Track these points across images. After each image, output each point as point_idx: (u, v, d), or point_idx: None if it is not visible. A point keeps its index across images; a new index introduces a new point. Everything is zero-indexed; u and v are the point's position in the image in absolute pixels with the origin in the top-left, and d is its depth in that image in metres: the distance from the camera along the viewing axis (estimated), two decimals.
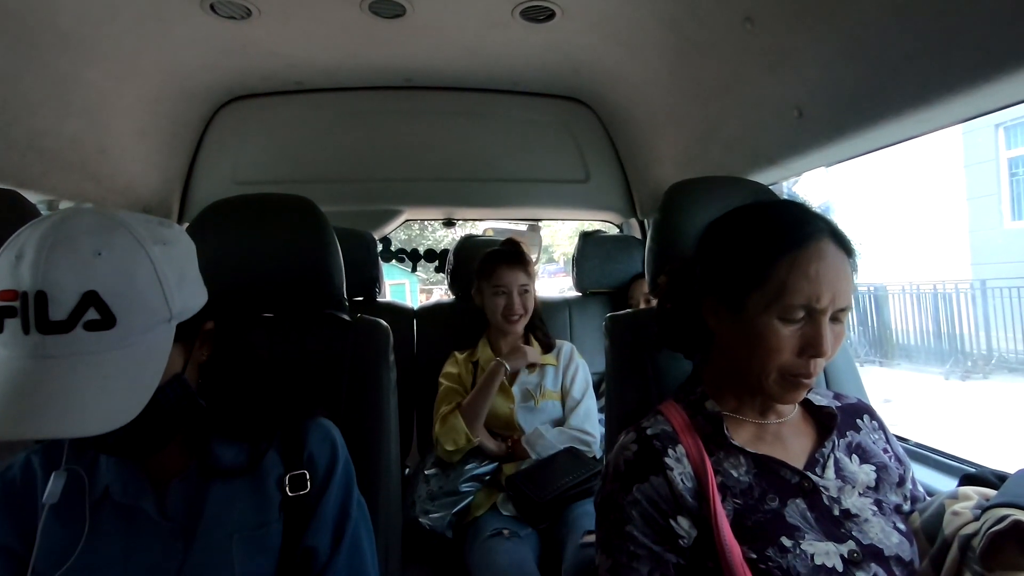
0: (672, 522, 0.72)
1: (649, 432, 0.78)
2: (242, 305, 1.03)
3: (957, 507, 0.73)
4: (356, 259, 1.85)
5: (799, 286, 0.70)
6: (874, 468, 0.80)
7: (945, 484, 1.10)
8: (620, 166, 2.22)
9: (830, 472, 0.77)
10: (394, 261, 2.67)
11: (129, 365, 0.58)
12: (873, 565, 0.69)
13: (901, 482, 0.82)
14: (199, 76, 1.81)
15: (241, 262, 1.01)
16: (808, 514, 0.73)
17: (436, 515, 1.47)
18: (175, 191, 2.00)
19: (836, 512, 0.73)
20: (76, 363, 0.56)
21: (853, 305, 0.76)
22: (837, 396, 0.89)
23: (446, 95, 2.10)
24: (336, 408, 0.98)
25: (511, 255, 1.72)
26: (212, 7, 1.45)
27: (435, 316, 2.06)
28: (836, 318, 0.72)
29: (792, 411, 0.82)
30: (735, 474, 0.75)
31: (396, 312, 2.02)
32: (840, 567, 0.68)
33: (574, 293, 2.27)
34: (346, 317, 1.08)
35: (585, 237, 2.22)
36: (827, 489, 0.75)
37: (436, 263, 2.58)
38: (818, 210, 0.78)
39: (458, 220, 2.49)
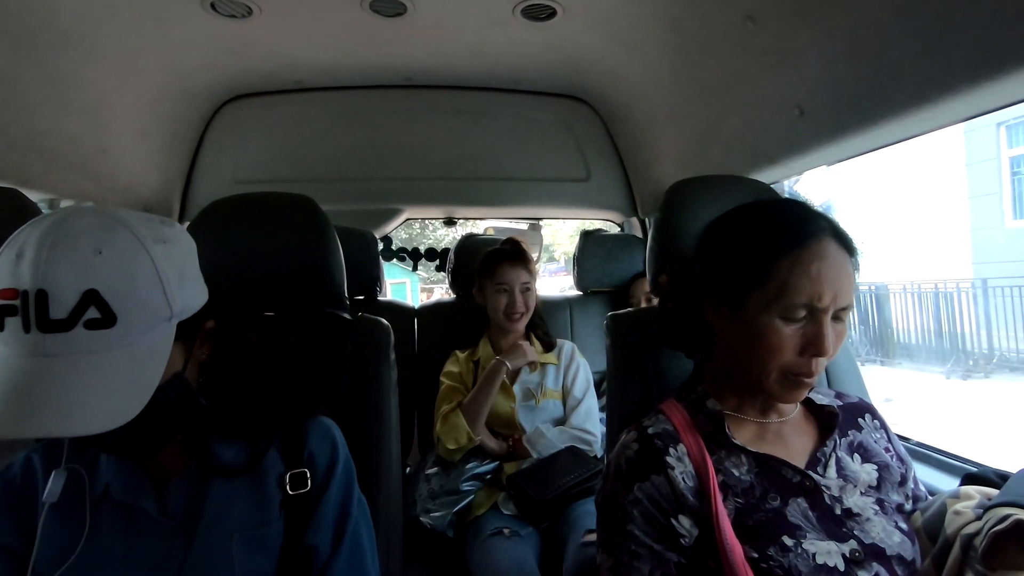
0: (673, 521, 0.72)
1: (650, 431, 0.78)
2: (243, 304, 1.03)
3: (959, 506, 0.73)
4: (357, 258, 1.86)
5: (801, 285, 0.70)
6: (876, 467, 0.80)
7: (947, 483, 1.10)
8: (621, 165, 2.21)
9: (832, 471, 0.77)
10: (395, 260, 2.67)
11: (130, 364, 0.58)
12: (875, 564, 0.69)
13: (903, 481, 0.81)
14: (200, 75, 1.81)
15: (242, 261, 1.01)
16: (810, 513, 0.72)
17: (437, 514, 1.47)
18: (176, 190, 2.00)
19: (838, 511, 0.73)
20: (76, 362, 0.55)
21: (854, 304, 0.76)
22: (839, 395, 0.89)
23: (447, 94, 2.10)
24: (337, 407, 0.98)
25: (513, 253, 1.72)
26: (212, 6, 1.45)
27: (436, 315, 2.06)
28: (838, 317, 0.72)
29: (793, 410, 0.82)
30: (736, 473, 0.75)
31: (397, 311, 2.02)
32: (842, 566, 0.68)
33: (575, 292, 2.27)
34: (347, 316, 1.08)
35: (586, 236, 2.21)
36: (829, 488, 0.75)
37: (437, 262, 2.58)
38: (820, 209, 0.78)
39: (459, 219, 2.49)
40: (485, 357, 1.71)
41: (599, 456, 1.58)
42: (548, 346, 1.75)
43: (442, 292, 9.38)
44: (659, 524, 0.72)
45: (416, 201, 2.23)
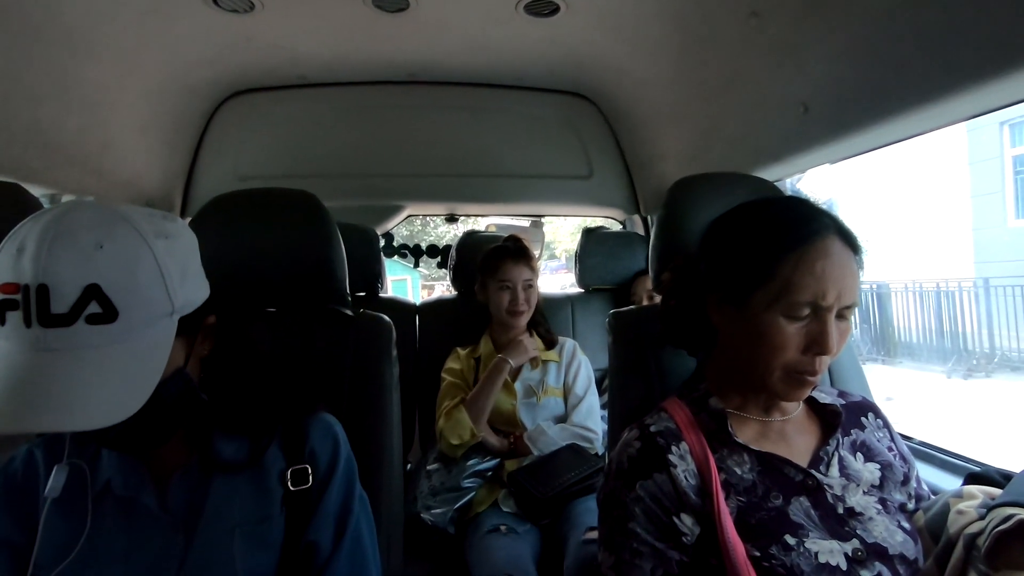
0: (675, 519, 0.72)
1: (653, 429, 0.78)
2: (245, 300, 1.03)
3: (962, 506, 0.73)
4: (358, 254, 1.85)
5: (805, 283, 0.69)
6: (879, 466, 0.80)
7: (950, 483, 1.10)
8: (623, 162, 2.21)
9: (834, 470, 0.77)
10: (396, 257, 2.67)
11: (131, 359, 0.58)
12: (877, 564, 0.69)
13: (906, 480, 0.81)
14: (202, 70, 1.80)
15: (244, 257, 1.01)
16: (812, 512, 0.72)
17: (438, 511, 1.47)
18: (178, 186, 1.99)
19: (840, 510, 0.73)
20: (78, 357, 0.55)
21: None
22: (842, 394, 0.89)
23: (449, 90, 2.10)
24: (338, 403, 0.98)
25: (516, 250, 1.72)
26: (215, 1, 1.44)
27: (437, 312, 2.06)
28: (842, 315, 0.72)
29: (796, 409, 0.82)
30: (739, 471, 0.75)
31: (398, 308, 2.02)
32: (844, 565, 0.67)
33: (576, 290, 2.27)
34: (349, 312, 1.07)
35: (588, 233, 2.21)
36: (831, 487, 0.75)
37: (438, 259, 2.58)
38: (823, 206, 0.78)
39: (460, 216, 2.49)
40: (486, 354, 1.71)
41: (600, 454, 1.58)
42: (550, 343, 1.75)
43: (443, 289, 9.38)
44: (661, 522, 0.72)
45: (418, 198, 2.22)
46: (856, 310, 0.74)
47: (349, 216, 1.98)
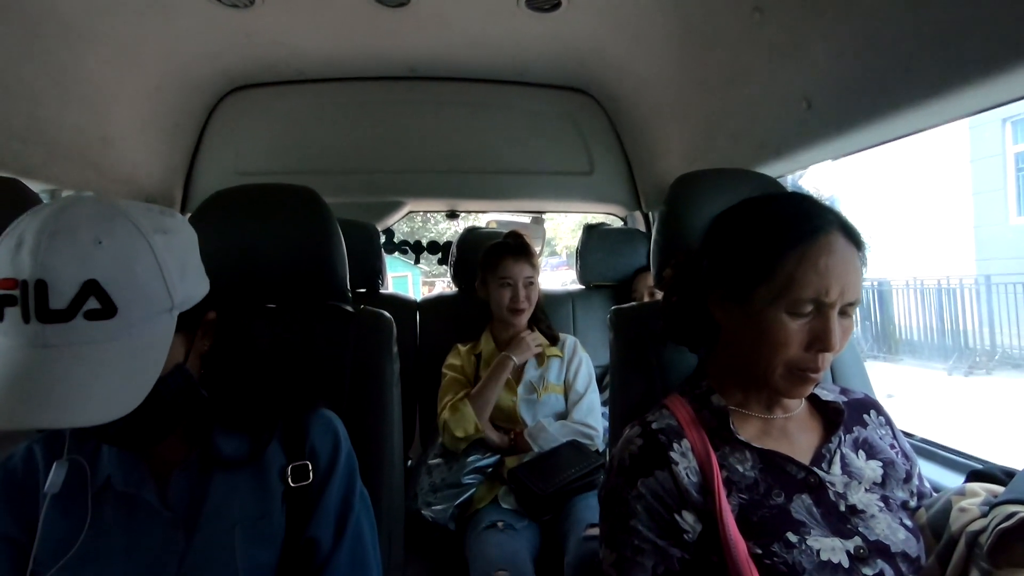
0: (677, 517, 0.71)
1: (654, 426, 0.78)
2: (245, 295, 1.02)
3: (964, 503, 0.73)
4: (359, 251, 1.85)
5: (808, 279, 0.69)
6: (881, 464, 0.80)
7: (952, 480, 1.10)
8: (625, 158, 2.20)
9: (836, 468, 0.77)
10: (397, 253, 2.66)
11: (130, 355, 0.58)
12: (879, 561, 0.68)
13: (908, 478, 0.81)
14: (201, 65, 1.80)
15: (244, 252, 1.00)
16: (814, 510, 0.72)
17: (438, 507, 1.47)
18: (178, 181, 1.99)
19: (842, 508, 0.73)
20: (77, 353, 0.55)
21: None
22: (844, 391, 0.89)
23: (450, 86, 2.09)
24: (339, 399, 0.97)
25: (517, 247, 1.71)
26: None
27: (438, 308, 2.06)
28: (844, 312, 0.71)
29: (798, 406, 0.81)
30: (740, 469, 0.75)
31: (399, 304, 2.02)
32: (846, 563, 0.67)
33: (577, 286, 2.26)
34: (349, 308, 1.07)
35: (589, 230, 2.20)
36: (833, 485, 0.74)
37: (439, 255, 2.57)
38: (826, 202, 0.77)
39: (461, 212, 2.48)
40: (487, 351, 1.71)
41: (601, 451, 1.58)
42: (552, 340, 1.74)
43: (444, 285, 9.39)
44: (662, 519, 0.72)
45: (418, 194, 2.22)
46: (858, 307, 0.74)
47: (350, 212, 1.98)
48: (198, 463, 0.72)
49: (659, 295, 0.95)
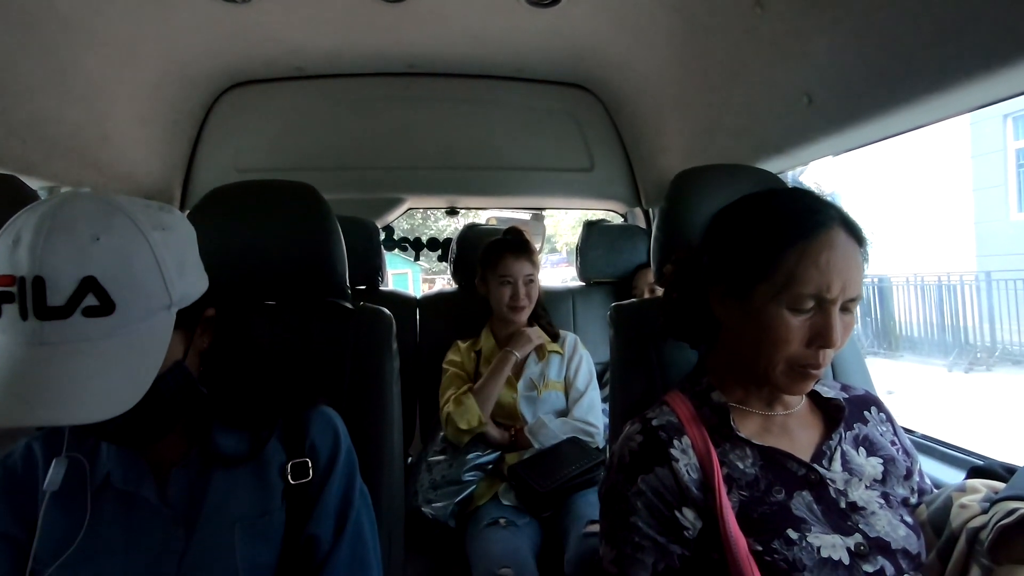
0: (677, 513, 0.71)
1: (654, 423, 0.78)
2: (244, 292, 1.02)
3: (965, 500, 0.73)
4: (358, 247, 1.85)
5: (809, 275, 0.69)
6: (881, 461, 0.80)
7: (953, 477, 1.10)
8: (625, 155, 2.19)
9: (837, 464, 0.77)
10: (396, 250, 2.66)
11: (129, 352, 0.58)
12: (880, 558, 0.68)
13: (908, 475, 0.81)
14: (200, 62, 1.79)
15: (243, 249, 1.00)
16: (815, 506, 0.72)
17: (439, 504, 1.47)
18: (177, 178, 1.98)
19: (843, 505, 0.73)
20: (75, 350, 0.55)
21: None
22: (844, 388, 0.88)
23: (449, 82, 2.08)
24: (338, 396, 0.97)
25: (517, 245, 1.71)
26: None
27: (438, 305, 2.06)
28: (846, 308, 0.71)
29: (799, 403, 0.81)
30: (741, 466, 0.75)
31: (399, 301, 2.01)
32: (846, 560, 0.67)
33: (578, 283, 2.26)
34: (348, 305, 1.07)
35: (589, 226, 2.20)
36: (834, 482, 0.74)
37: (439, 252, 2.57)
38: (828, 198, 0.77)
39: (461, 209, 2.48)
40: (487, 348, 1.71)
41: (601, 448, 1.58)
42: (552, 336, 1.74)
43: (444, 282, 9.39)
44: (663, 516, 0.72)
45: (418, 190, 2.21)
46: (859, 304, 0.74)
47: (349, 209, 1.97)
48: (198, 460, 0.72)
49: (659, 292, 0.95)
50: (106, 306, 0.56)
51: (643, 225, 2.29)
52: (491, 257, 1.70)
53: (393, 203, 2.26)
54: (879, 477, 0.78)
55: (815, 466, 0.75)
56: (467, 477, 1.52)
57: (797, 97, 1.23)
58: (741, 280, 0.74)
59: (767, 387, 0.77)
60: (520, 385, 1.65)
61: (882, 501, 0.75)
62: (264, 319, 1.04)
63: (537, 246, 1.95)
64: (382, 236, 2.16)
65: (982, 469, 0.81)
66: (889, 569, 0.68)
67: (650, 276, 2.03)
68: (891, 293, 7.63)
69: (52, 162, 1.44)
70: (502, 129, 2.14)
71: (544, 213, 2.83)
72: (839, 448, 0.78)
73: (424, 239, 2.65)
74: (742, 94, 1.44)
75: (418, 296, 2.12)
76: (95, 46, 1.42)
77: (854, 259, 0.71)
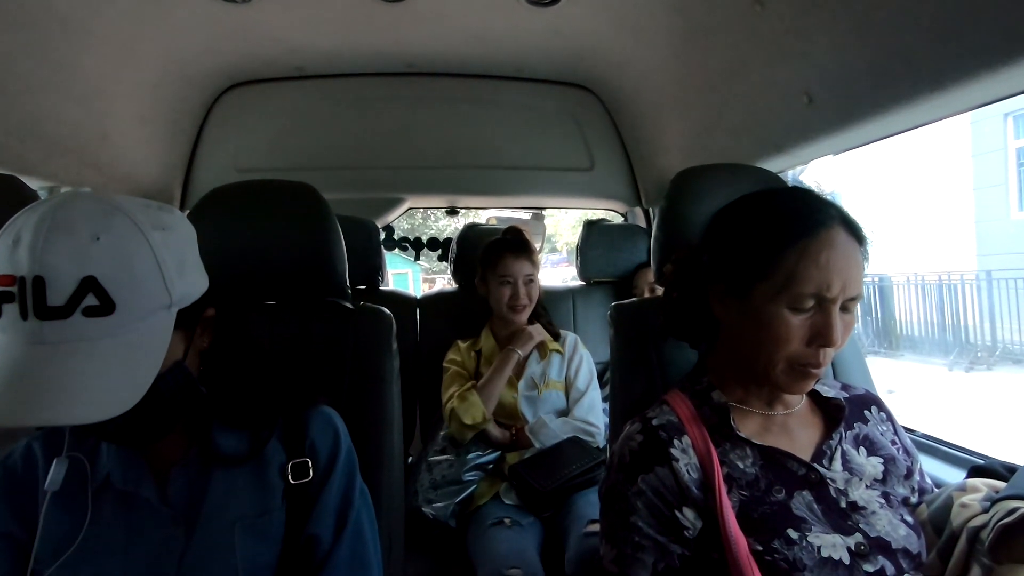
0: (677, 513, 0.71)
1: (655, 423, 0.77)
2: (244, 292, 1.02)
3: (965, 499, 0.72)
4: (358, 247, 1.85)
5: (809, 274, 0.69)
6: (882, 460, 0.79)
7: (953, 476, 1.09)
8: (625, 154, 2.19)
9: (837, 464, 0.77)
10: (397, 250, 2.66)
11: (129, 352, 0.58)
12: (880, 558, 0.68)
13: (909, 474, 0.81)
14: (199, 61, 1.79)
15: (243, 249, 1.00)
16: (815, 506, 0.72)
17: (439, 504, 1.47)
18: (177, 178, 1.98)
19: (843, 504, 0.73)
20: (75, 349, 0.55)
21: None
22: (845, 387, 0.88)
23: (449, 81, 2.08)
24: (338, 396, 0.97)
25: (516, 244, 1.71)
26: None
27: (438, 305, 2.06)
28: (846, 307, 0.71)
29: (799, 402, 0.81)
30: (741, 465, 0.75)
31: (399, 301, 2.02)
32: (847, 559, 0.67)
33: (578, 282, 2.26)
34: (348, 305, 1.07)
35: (589, 226, 2.20)
36: (834, 481, 0.74)
37: (439, 252, 2.57)
38: (828, 197, 0.77)
39: (461, 208, 2.48)
40: (487, 348, 1.71)
41: (602, 447, 1.58)
42: (553, 336, 1.74)
43: (444, 282, 9.39)
44: (663, 516, 0.72)
45: (418, 190, 2.21)
46: (859, 303, 0.74)
47: (349, 209, 1.97)
48: (198, 460, 0.72)
49: (660, 291, 0.95)
50: (106, 306, 0.56)
51: (643, 224, 2.29)
52: (491, 257, 1.70)
53: (393, 203, 2.26)
54: (879, 476, 0.78)
55: (815, 466, 0.75)
56: (468, 477, 1.52)
57: (797, 96, 1.23)
58: (741, 279, 0.74)
59: (767, 386, 0.77)
60: (521, 385, 1.65)
61: (882, 501, 0.75)
62: (264, 319, 1.04)
63: (537, 246, 1.94)
64: (382, 236, 2.16)
65: (983, 468, 0.81)
66: (889, 569, 0.68)
67: (650, 275, 2.03)
68: (892, 292, 7.63)
69: (52, 162, 1.44)
70: (502, 129, 2.14)
71: (544, 213, 2.82)
72: (839, 448, 0.78)
73: (424, 239, 2.65)
74: (742, 93, 1.44)
75: (418, 296, 2.12)
76: (94, 46, 1.42)
77: (854, 258, 0.71)
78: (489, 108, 2.13)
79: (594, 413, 1.63)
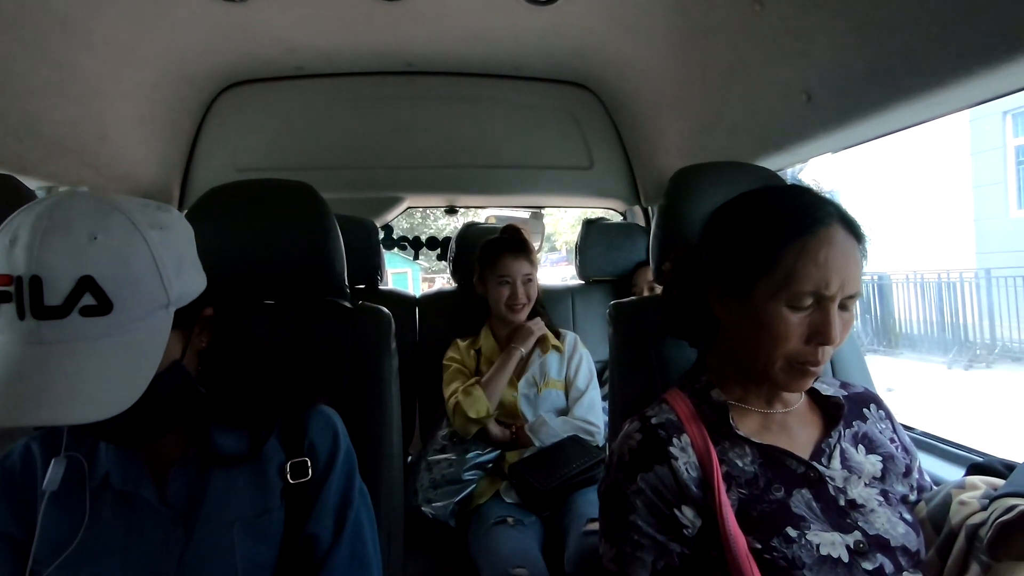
0: (676, 512, 0.71)
1: (654, 421, 0.77)
2: (242, 292, 1.02)
3: (964, 497, 0.72)
4: (357, 246, 1.85)
5: (808, 272, 0.69)
6: (880, 458, 0.80)
7: (952, 473, 1.10)
8: (624, 153, 2.19)
9: (836, 462, 0.77)
10: (396, 249, 2.66)
11: (126, 351, 0.57)
12: (879, 555, 0.68)
13: (907, 472, 0.81)
14: (198, 61, 1.79)
15: (241, 248, 1.00)
16: (814, 504, 0.72)
17: (439, 504, 1.47)
18: (175, 177, 1.98)
19: (842, 502, 0.73)
20: (72, 349, 0.55)
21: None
22: (844, 385, 0.88)
23: (448, 80, 2.08)
24: (337, 396, 0.97)
25: (514, 244, 1.71)
26: None
27: (437, 304, 2.05)
28: (844, 305, 0.71)
29: (798, 400, 0.81)
30: (740, 464, 0.75)
31: (398, 300, 2.01)
32: (846, 557, 0.67)
33: (577, 281, 2.26)
34: (347, 305, 1.07)
35: (588, 224, 2.20)
36: (833, 479, 0.74)
37: (438, 251, 2.57)
38: (827, 195, 0.77)
39: (460, 207, 2.48)
40: (487, 348, 1.71)
41: (601, 446, 1.58)
42: (554, 334, 1.74)
43: (444, 281, 9.38)
44: (662, 514, 0.72)
45: (417, 189, 2.21)
46: (858, 301, 0.74)
47: (348, 208, 1.97)
48: (196, 460, 0.72)
49: (659, 289, 0.95)
50: (103, 305, 0.55)
51: (642, 223, 2.29)
52: (489, 257, 1.70)
53: (392, 202, 2.26)
54: (878, 474, 0.78)
55: (814, 464, 0.75)
56: (467, 476, 1.52)
57: (796, 94, 1.23)
58: (740, 277, 0.74)
59: (766, 385, 0.77)
60: (520, 383, 1.65)
61: (881, 498, 0.75)
62: (263, 318, 1.04)
63: (536, 245, 1.94)
64: (381, 235, 2.16)
65: (981, 466, 0.81)
66: (888, 566, 0.68)
67: (649, 274, 2.03)
68: (891, 290, 7.63)
69: (50, 162, 1.43)
70: (501, 127, 2.14)
71: (543, 211, 2.82)
72: (838, 446, 0.78)
73: (423, 238, 2.65)
74: (741, 92, 1.44)
75: (417, 295, 2.12)
76: (93, 45, 1.42)
77: (853, 256, 0.71)
78: (488, 107, 2.13)
79: (594, 412, 1.63)
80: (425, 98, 2.09)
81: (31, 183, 1.28)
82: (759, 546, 0.67)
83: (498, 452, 1.57)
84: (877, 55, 1.00)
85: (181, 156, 1.98)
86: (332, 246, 1.04)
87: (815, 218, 0.71)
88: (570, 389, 1.67)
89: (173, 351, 0.65)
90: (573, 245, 2.30)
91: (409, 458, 1.79)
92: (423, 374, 1.86)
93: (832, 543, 0.68)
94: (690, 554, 0.71)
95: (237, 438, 0.74)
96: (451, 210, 2.46)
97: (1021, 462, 0.75)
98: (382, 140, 2.10)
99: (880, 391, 0.94)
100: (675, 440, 0.75)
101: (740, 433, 0.76)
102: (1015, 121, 7.29)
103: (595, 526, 1.28)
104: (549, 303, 1.90)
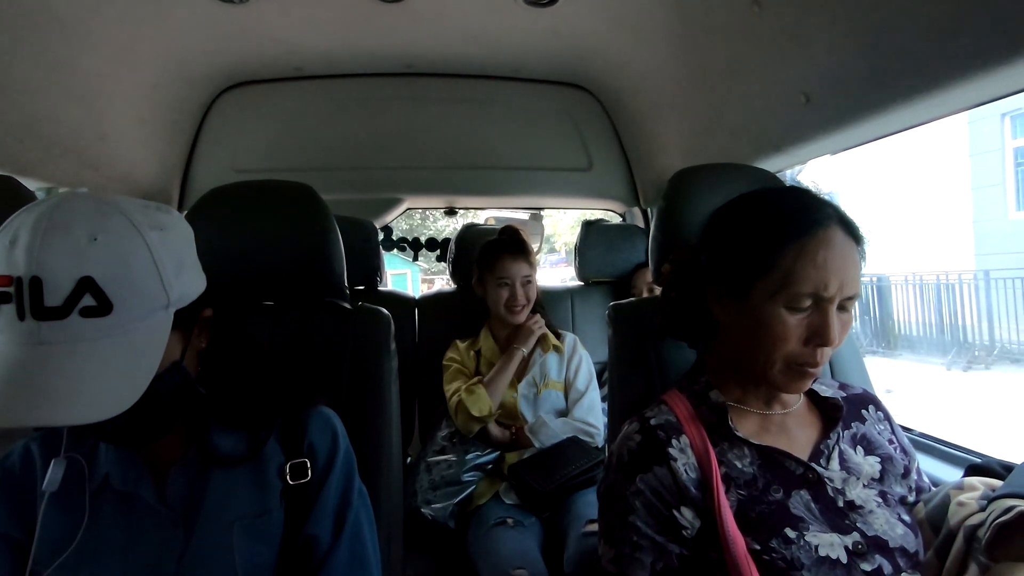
0: (676, 513, 0.71)
1: (653, 422, 0.78)
2: (242, 292, 1.02)
3: (962, 498, 0.73)
4: (357, 248, 1.85)
5: (806, 274, 0.69)
6: (879, 460, 0.80)
7: (950, 474, 1.10)
8: (623, 154, 2.20)
9: (835, 463, 0.77)
10: (395, 250, 2.66)
11: (126, 352, 0.57)
12: (877, 557, 0.68)
13: (906, 473, 0.81)
14: (198, 62, 1.79)
15: (241, 249, 1.00)
16: (812, 505, 0.72)
17: (438, 505, 1.47)
18: (175, 178, 1.98)
19: (840, 503, 0.73)
20: (72, 350, 0.55)
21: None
22: (842, 386, 0.88)
23: (447, 82, 2.08)
24: (337, 397, 0.97)
25: (513, 245, 1.70)
26: None
27: (437, 305, 2.06)
28: (843, 307, 0.71)
29: (797, 401, 0.81)
30: (739, 465, 0.75)
31: (397, 301, 2.01)
32: (844, 559, 0.67)
33: (576, 283, 2.26)
34: (347, 306, 1.07)
35: (588, 226, 2.20)
36: (832, 480, 0.74)
37: (437, 252, 2.57)
38: (826, 197, 0.77)
39: (460, 209, 2.48)
40: (487, 349, 1.71)
41: (601, 447, 1.58)
42: (554, 335, 1.74)
43: (443, 282, 9.38)
44: (661, 515, 0.72)
45: (416, 191, 2.21)
46: (856, 302, 0.74)
47: (347, 209, 1.97)
48: (196, 461, 0.72)
49: (658, 291, 0.95)
50: (103, 306, 0.55)
51: (641, 224, 2.29)
52: (488, 258, 1.70)
53: (392, 203, 2.26)
54: (877, 476, 0.78)
55: (813, 465, 0.75)
56: (467, 477, 1.52)
57: (795, 96, 1.23)
58: (739, 279, 0.74)
59: (765, 386, 0.78)
60: (520, 384, 1.65)
61: (880, 500, 0.75)
62: (262, 319, 1.04)
63: (536, 246, 1.95)
64: (380, 236, 2.16)
65: (980, 467, 0.81)
66: (887, 567, 0.68)
67: (648, 275, 2.03)
68: (889, 292, 7.63)
69: (50, 163, 1.43)
70: (500, 129, 2.14)
71: (543, 213, 2.83)
72: (837, 447, 0.78)
73: (423, 239, 2.65)
74: (740, 93, 1.44)
75: (417, 296, 2.12)
76: (93, 46, 1.42)
77: (851, 257, 0.71)
78: (487, 108, 2.13)
79: (593, 413, 1.63)
80: (424, 99, 2.10)
81: (31, 184, 1.28)
82: (758, 547, 0.68)
83: (497, 453, 1.57)
84: (876, 57, 1.00)
85: (181, 157, 1.98)
86: (332, 247, 1.04)
87: (814, 220, 0.71)
88: (570, 390, 1.67)
89: (173, 352, 0.65)
90: (572, 246, 2.30)
91: (408, 459, 1.79)
92: (422, 375, 1.86)
93: (831, 544, 0.68)
94: (689, 555, 0.71)
95: (237, 439, 0.74)
96: (450, 211, 2.46)
97: (1019, 463, 0.75)
98: (382, 141, 2.10)
99: (879, 392, 0.94)
100: (674, 441, 0.75)
101: (739, 434, 0.76)
102: (1014, 123, 7.30)
103: (595, 527, 1.28)
104: (548, 304, 1.91)
